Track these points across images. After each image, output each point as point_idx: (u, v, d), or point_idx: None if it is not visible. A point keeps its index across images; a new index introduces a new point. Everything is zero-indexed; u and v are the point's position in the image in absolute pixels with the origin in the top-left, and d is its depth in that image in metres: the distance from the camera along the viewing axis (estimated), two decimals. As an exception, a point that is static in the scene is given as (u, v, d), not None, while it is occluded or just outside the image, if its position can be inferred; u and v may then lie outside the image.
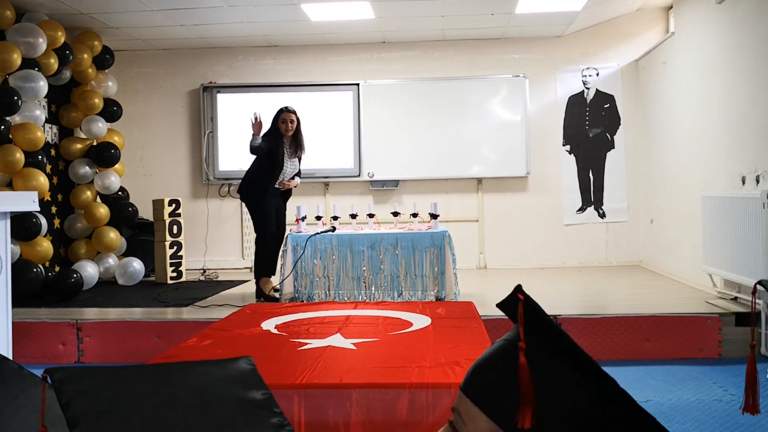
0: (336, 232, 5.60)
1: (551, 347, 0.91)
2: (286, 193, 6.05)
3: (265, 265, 5.84)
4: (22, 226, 5.69)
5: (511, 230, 7.80)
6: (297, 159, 5.94)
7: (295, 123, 5.79)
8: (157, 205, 7.15)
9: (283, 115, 5.78)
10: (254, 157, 5.86)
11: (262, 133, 5.73)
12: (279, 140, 5.75)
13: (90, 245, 7.06)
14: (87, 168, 7.06)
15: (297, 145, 5.87)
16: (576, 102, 7.82)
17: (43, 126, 6.38)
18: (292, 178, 5.98)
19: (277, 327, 4.16)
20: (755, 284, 2.17)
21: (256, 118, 5.72)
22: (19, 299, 5.61)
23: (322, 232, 5.57)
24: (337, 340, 3.70)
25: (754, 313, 2.04)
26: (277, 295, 5.67)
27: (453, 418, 0.96)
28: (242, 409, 1.51)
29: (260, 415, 1.50)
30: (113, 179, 7.18)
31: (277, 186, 5.86)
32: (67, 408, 1.36)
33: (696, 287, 5.83)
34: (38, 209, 4.42)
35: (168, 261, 7.07)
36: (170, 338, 4.79)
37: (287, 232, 5.80)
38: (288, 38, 7.74)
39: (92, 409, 1.38)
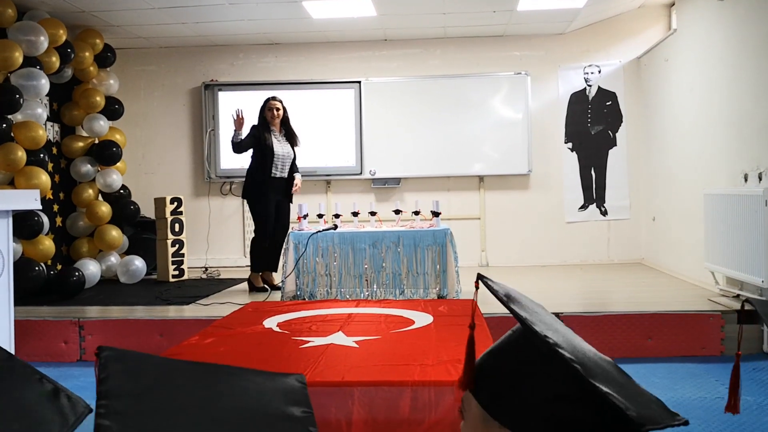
0: (338, 230, 5.60)
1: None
2: (289, 188, 6.07)
3: (257, 260, 5.98)
4: (24, 225, 5.69)
5: (513, 228, 7.80)
6: (290, 146, 6.00)
7: (282, 111, 5.97)
8: (159, 203, 7.15)
9: (269, 103, 5.96)
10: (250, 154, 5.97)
11: (245, 130, 5.82)
12: (266, 129, 5.90)
13: (92, 243, 7.06)
14: (89, 166, 7.06)
15: (287, 132, 5.97)
16: (578, 99, 7.81)
17: (45, 124, 6.38)
18: (292, 173, 6.02)
19: (279, 325, 4.17)
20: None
21: (237, 115, 5.80)
22: (21, 298, 5.61)
23: (323, 230, 5.57)
24: (339, 338, 3.70)
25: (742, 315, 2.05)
26: (266, 287, 5.91)
27: (460, 406, 1.09)
28: (278, 421, 1.51)
29: (294, 429, 1.51)
30: (115, 177, 7.18)
31: (276, 175, 5.88)
32: (103, 382, 1.39)
33: (698, 285, 5.82)
34: (40, 207, 4.42)
35: (170, 259, 7.07)
36: (172, 336, 4.80)
37: (290, 229, 5.79)
38: (289, 36, 7.74)
39: (127, 389, 1.41)
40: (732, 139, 5.25)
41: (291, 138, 6.03)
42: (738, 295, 4.99)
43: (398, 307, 4.67)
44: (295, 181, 6.05)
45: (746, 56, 5.00)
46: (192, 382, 1.51)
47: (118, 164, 7.27)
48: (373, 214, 5.87)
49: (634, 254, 7.78)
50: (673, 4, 7.10)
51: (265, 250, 5.95)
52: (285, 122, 6.00)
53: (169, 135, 8.18)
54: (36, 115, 6.08)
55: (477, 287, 1.06)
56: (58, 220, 6.95)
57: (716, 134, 5.55)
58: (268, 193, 5.86)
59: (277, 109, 5.93)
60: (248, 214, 8.00)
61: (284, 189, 6.02)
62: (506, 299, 1.11)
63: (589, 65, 7.78)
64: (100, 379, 1.39)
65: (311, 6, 6.60)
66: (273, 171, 5.89)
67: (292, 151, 6.04)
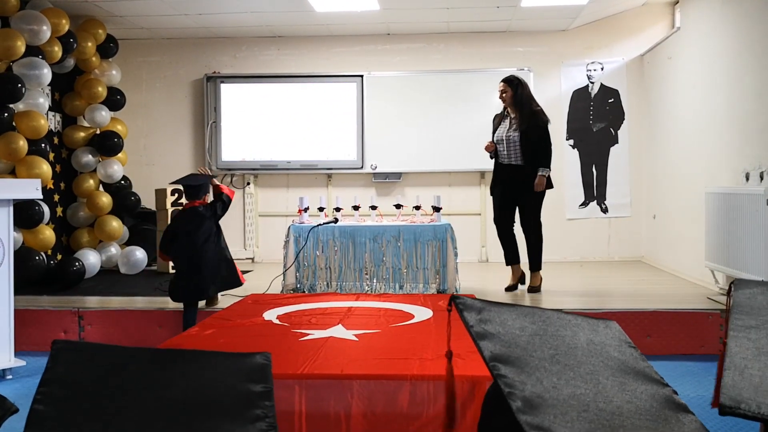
0: (338, 223, 5.60)
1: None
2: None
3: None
4: (25, 214, 5.69)
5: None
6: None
7: None
8: (160, 194, 7.15)
9: None
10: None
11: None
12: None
13: (92, 234, 7.06)
14: (90, 156, 7.06)
15: None
16: (580, 96, 7.80)
17: (47, 114, 6.37)
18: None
19: (278, 317, 4.17)
20: (730, 284, 2.26)
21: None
22: (21, 287, 5.62)
23: (324, 224, 5.57)
24: (338, 331, 3.71)
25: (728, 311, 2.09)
26: None
27: None
28: (233, 398, 1.54)
29: (246, 406, 1.53)
30: (116, 168, 7.18)
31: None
32: (47, 371, 1.42)
33: (698, 283, 5.83)
34: (41, 197, 4.42)
35: (170, 250, 7.07)
36: (172, 327, 4.80)
37: (291, 222, 5.79)
38: (292, 29, 7.72)
39: (72, 378, 1.43)
40: (734, 138, 5.24)
41: None
42: (728, 291, 4.98)
43: (398, 302, 4.68)
44: None
45: (749, 55, 4.99)
46: (146, 369, 1.54)
47: (120, 155, 7.27)
48: (373, 208, 5.87)
49: (634, 252, 7.78)
50: (677, 2, 7.08)
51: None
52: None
53: (170, 126, 8.17)
54: (38, 104, 6.07)
55: (450, 310, 1.07)
56: (59, 210, 6.95)
57: (718, 133, 5.55)
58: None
59: None
60: (249, 207, 8.02)
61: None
62: (477, 337, 1.15)
63: (592, 62, 7.77)
64: (46, 368, 1.42)
65: (315, -1, 6.60)
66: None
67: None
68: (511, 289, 5.61)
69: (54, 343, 1.48)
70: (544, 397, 1.45)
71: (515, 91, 5.43)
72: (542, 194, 5.48)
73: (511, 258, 5.65)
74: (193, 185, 5.08)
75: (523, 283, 5.67)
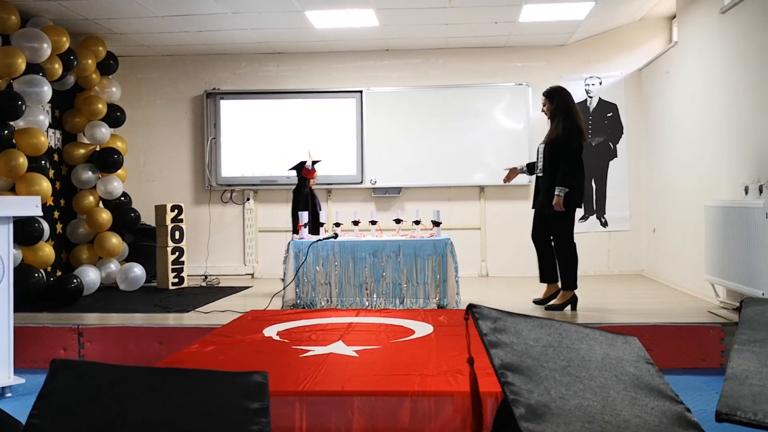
0: (338, 239, 5.60)
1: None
2: None
3: None
4: (25, 231, 5.70)
5: (514, 238, 7.78)
6: None
7: None
8: (160, 210, 7.16)
9: None
10: None
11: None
12: None
13: (92, 250, 7.06)
14: (90, 173, 7.07)
15: None
16: (579, 111, 7.81)
17: (47, 131, 6.39)
18: None
19: (279, 334, 4.16)
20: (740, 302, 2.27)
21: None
22: (20, 304, 5.61)
23: (324, 239, 5.57)
24: (339, 348, 3.70)
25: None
26: None
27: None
28: (229, 416, 1.54)
29: (243, 423, 1.54)
30: (116, 184, 7.19)
31: None
32: (44, 387, 1.42)
33: (698, 297, 5.82)
34: (41, 214, 4.42)
35: (170, 267, 7.07)
36: (172, 344, 4.78)
37: (290, 238, 5.79)
38: (292, 45, 7.76)
39: (69, 396, 1.44)
40: (732, 152, 5.25)
41: None
42: (739, 308, 4.98)
43: (398, 317, 4.67)
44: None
45: (747, 69, 5.01)
46: (143, 387, 1.54)
47: (119, 171, 7.28)
48: (373, 223, 5.87)
49: (634, 265, 7.77)
50: (674, 17, 7.12)
51: None
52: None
53: (170, 143, 8.19)
54: (38, 121, 6.09)
55: (467, 319, 1.08)
56: (59, 226, 6.95)
57: (717, 146, 5.56)
58: None
59: None
60: (249, 222, 8.02)
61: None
62: (489, 345, 1.17)
63: (590, 77, 7.80)
64: (43, 386, 1.42)
65: (314, 16, 6.63)
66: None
67: None
68: (538, 302, 5.49)
69: (53, 362, 1.49)
70: (550, 406, 1.45)
71: (551, 102, 5.31)
72: (565, 213, 5.17)
73: (544, 276, 5.46)
74: None
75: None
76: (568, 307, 5.29)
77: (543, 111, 5.43)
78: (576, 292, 5.32)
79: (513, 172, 5.72)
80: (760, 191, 4.76)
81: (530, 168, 5.69)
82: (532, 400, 1.44)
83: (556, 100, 5.27)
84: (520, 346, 1.59)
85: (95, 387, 1.49)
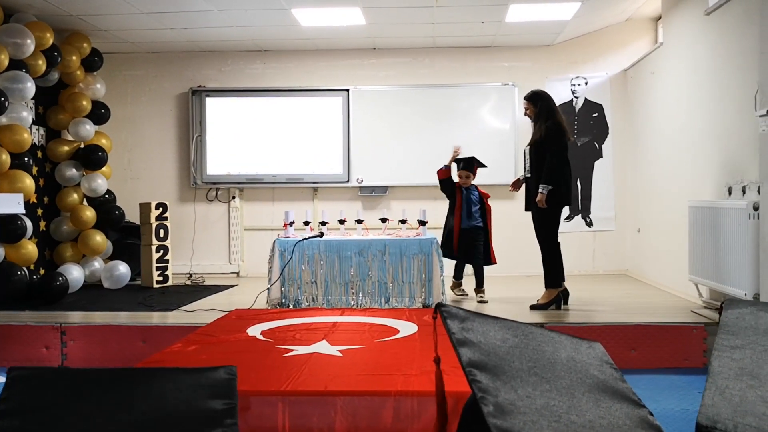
0: (324, 237, 5.59)
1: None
2: None
3: None
4: (7, 228, 5.65)
5: (499, 238, 7.77)
6: None
7: None
8: (144, 208, 7.11)
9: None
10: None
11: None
12: None
13: (76, 248, 7.00)
14: (74, 170, 7.01)
15: None
16: (564, 111, 7.80)
17: (30, 128, 6.33)
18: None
19: (263, 333, 4.15)
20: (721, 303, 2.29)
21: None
22: (2, 302, 5.57)
23: (309, 238, 5.56)
24: (323, 347, 3.70)
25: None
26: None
27: None
28: (196, 417, 1.52)
29: (206, 425, 1.52)
30: (100, 182, 7.14)
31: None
32: (2, 402, 1.40)
33: (682, 297, 5.85)
34: (24, 211, 4.40)
35: (154, 265, 7.03)
36: (155, 343, 4.76)
37: (276, 236, 5.77)
38: (278, 43, 7.73)
39: (29, 405, 1.42)
40: (717, 152, 5.29)
41: None
42: (720, 308, 5.01)
43: (383, 316, 4.67)
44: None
45: (731, 70, 5.04)
46: (106, 391, 1.53)
47: (104, 169, 7.22)
48: (359, 222, 5.86)
49: (618, 265, 7.81)
50: (660, 18, 7.16)
51: None
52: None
53: (155, 140, 8.14)
54: (21, 118, 6.03)
55: (435, 317, 1.10)
56: (42, 224, 6.89)
57: (701, 147, 5.59)
58: None
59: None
60: (234, 221, 7.98)
61: None
62: (457, 343, 1.19)
63: (576, 77, 7.83)
64: (0, 399, 1.40)
65: (300, 14, 6.60)
66: None
67: None
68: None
69: (9, 370, 1.46)
70: (517, 404, 1.47)
71: (535, 106, 5.35)
72: (548, 211, 5.21)
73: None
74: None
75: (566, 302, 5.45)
76: (554, 306, 5.31)
77: (526, 114, 5.47)
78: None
79: (518, 182, 5.77)
80: (743, 192, 4.79)
81: None
82: (499, 398, 1.46)
83: (540, 104, 5.33)
84: (487, 346, 1.61)
85: (57, 394, 1.47)
